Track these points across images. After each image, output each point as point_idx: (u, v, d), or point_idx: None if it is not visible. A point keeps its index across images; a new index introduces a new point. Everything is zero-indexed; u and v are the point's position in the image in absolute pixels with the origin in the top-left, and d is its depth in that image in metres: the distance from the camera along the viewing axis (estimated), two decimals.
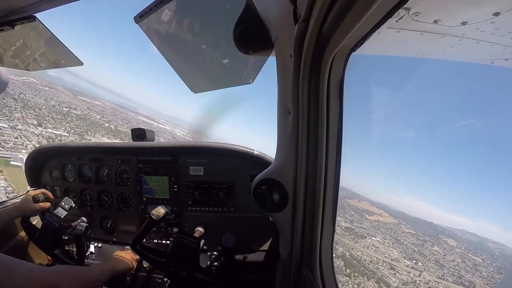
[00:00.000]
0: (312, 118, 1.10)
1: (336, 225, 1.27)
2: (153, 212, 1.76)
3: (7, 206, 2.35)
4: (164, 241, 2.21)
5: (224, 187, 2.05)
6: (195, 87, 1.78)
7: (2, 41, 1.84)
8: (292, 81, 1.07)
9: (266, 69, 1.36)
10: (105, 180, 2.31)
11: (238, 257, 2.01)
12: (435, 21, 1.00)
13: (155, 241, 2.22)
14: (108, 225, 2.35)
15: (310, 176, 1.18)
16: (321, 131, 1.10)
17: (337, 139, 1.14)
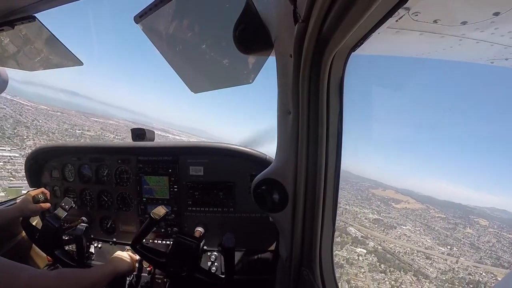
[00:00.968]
0: (312, 118, 1.10)
1: (336, 225, 1.27)
2: (153, 212, 1.76)
3: (7, 206, 2.35)
4: (164, 241, 2.21)
5: (224, 187, 2.05)
6: (195, 87, 1.78)
7: (2, 41, 1.84)
8: (292, 81, 1.07)
9: (266, 69, 1.36)
10: (105, 180, 2.31)
11: (238, 257, 2.01)
12: (435, 21, 1.00)
13: (155, 241, 2.22)
14: (108, 225, 2.35)
15: (310, 176, 1.18)
16: (321, 131, 1.10)
17: (337, 139, 1.14)
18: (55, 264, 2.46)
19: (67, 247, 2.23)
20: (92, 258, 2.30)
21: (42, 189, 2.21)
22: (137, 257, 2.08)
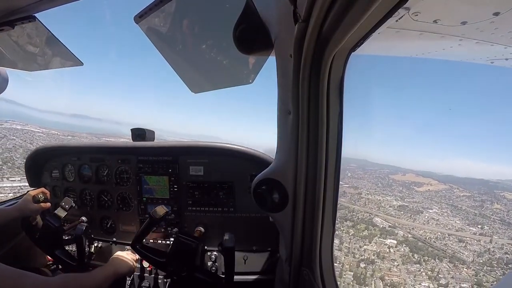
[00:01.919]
0: (312, 118, 1.10)
1: (336, 224, 1.27)
2: (153, 212, 1.77)
3: (7, 206, 2.34)
4: (164, 241, 2.21)
5: (224, 187, 2.05)
6: (195, 87, 1.78)
7: (2, 41, 1.84)
8: (292, 81, 1.07)
9: (266, 69, 1.36)
10: (105, 180, 2.31)
11: (238, 257, 2.01)
12: (435, 21, 1.00)
13: (155, 241, 2.22)
14: (108, 225, 2.35)
15: (310, 176, 1.18)
16: (321, 131, 1.10)
17: (337, 139, 1.14)
18: (55, 264, 2.46)
19: (67, 247, 2.23)
20: (92, 258, 2.30)
21: (42, 189, 2.21)
22: (137, 257, 2.08)
